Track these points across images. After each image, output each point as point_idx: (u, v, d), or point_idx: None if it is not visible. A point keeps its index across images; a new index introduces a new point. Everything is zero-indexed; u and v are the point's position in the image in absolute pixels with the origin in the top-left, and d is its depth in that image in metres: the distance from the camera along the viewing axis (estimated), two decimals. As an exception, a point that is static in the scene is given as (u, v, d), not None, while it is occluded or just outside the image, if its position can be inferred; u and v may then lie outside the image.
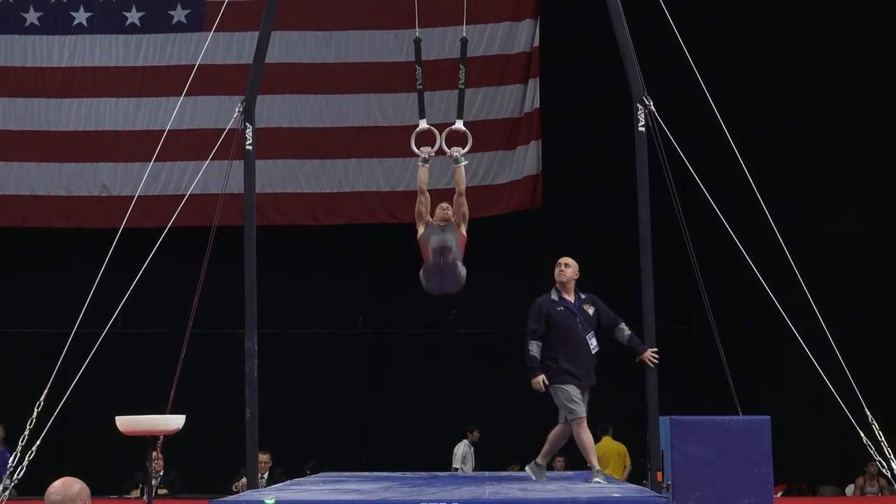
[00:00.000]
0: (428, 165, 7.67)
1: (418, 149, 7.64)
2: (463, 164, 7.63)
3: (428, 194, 7.67)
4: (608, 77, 10.52)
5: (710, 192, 7.42)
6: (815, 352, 7.44)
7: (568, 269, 7.85)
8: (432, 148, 7.60)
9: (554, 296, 7.79)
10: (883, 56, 13.01)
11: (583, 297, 7.82)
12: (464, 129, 7.68)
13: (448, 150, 7.63)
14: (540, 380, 7.58)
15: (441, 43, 12.50)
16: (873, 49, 13.03)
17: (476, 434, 12.53)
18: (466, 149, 7.68)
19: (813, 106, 13.12)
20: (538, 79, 12.61)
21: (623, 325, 7.72)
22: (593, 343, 7.71)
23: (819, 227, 12.62)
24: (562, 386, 7.56)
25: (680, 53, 7.65)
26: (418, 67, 7.71)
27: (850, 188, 12.93)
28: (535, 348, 7.66)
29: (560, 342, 7.61)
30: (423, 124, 7.65)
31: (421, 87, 7.73)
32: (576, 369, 7.58)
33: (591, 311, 7.77)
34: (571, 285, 7.79)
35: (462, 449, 12.42)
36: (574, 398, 7.58)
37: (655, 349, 7.29)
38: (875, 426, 7.22)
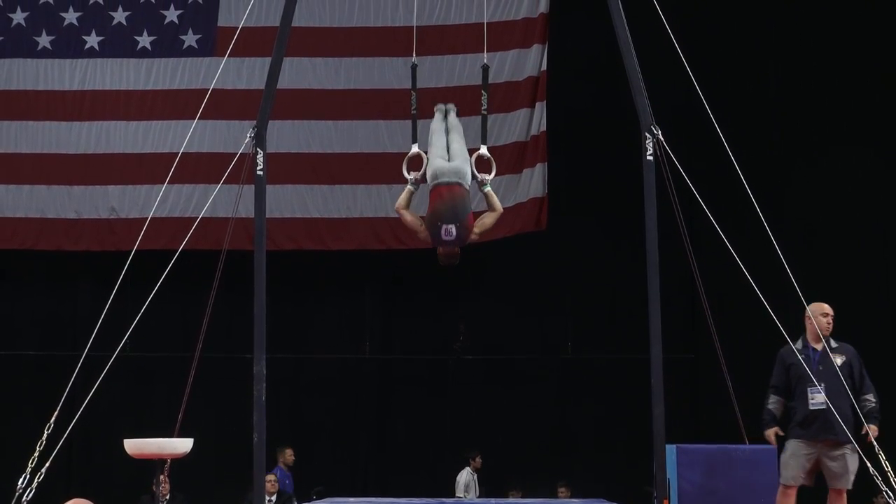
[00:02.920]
0: (415, 190, 7.72)
1: (408, 173, 7.75)
2: (488, 189, 7.73)
3: (407, 215, 7.66)
4: (615, 99, 10.60)
5: (718, 219, 7.45)
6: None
7: (825, 318, 7.53)
8: (419, 172, 7.70)
9: (799, 343, 7.57)
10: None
11: (834, 345, 7.57)
12: (488, 154, 7.80)
13: (478, 176, 7.72)
14: (768, 433, 7.35)
15: (451, 70, 12.60)
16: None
17: (478, 460, 12.54)
18: (492, 175, 7.79)
19: (824, 132, 13.10)
20: (545, 102, 12.68)
21: (870, 396, 7.45)
22: (816, 398, 7.38)
23: (829, 254, 12.63)
24: (786, 441, 7.30)
25: (686, 77, 7.71)
26: (413, 92, 7.85)
27: (862, 215, 12.93)
28: (770, 401, 7.46)
29: (797, 393, 7.40)
30: (415, 149, 7.80)
31: (415, 111, 7.87)
32: (803, 424, 7.30)
33: (839, 360, 7.47)
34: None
35: (465, 476, 12.43)
36: (787, 459, 7.29)
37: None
38: (882, 456, 7.23)
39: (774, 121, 13.23)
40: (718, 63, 12.75)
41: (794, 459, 7.42)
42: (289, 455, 12.17)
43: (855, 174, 12.95)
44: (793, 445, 7.41)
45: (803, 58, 13.20)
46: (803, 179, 13.06)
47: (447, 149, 7.75)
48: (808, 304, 7.58)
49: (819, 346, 7.55)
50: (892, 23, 12.94)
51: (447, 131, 7.92)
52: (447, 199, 7.45)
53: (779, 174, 12.97)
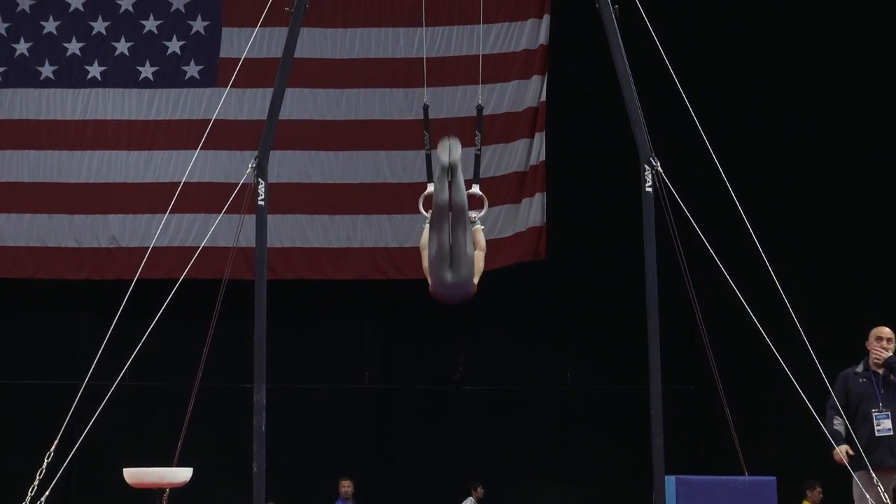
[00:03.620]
0: None
1: (426, 211, 7.74)
2: (479, 226, 7.70)
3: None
4: (614, 129, 10.64)
5: (717, 248, 7.48)
6: (820, 412, 7.46)
7: (891, 344, 7.41)
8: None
9: (860, 367, 7.48)
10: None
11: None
12: (480, 193, 7.79)
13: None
14: (840, 450, 7.16)
15: (451, 102, 12.68)
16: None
17: (480, 491, 12.53)
18: (483, 212, 7.79)
19: (827, 155, 13.11)
20: (544, 132, 12.74)
21: None
22: (882, 423, 7.26)
23: (829, 287, 12.64)
24: (854, 473, 7.12)
25: (686, 107, 7.75)
26: (427, 133, 7.83)
27: (864, 251, 12.95)
28: (835, 423, 7.27)
29: (858, 418, 7.27)
30: (430, 188, 7.77)
31: (429, 151, 7.84)
32: (867, 452, 7.14)
33: None
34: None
35: None
36: (858, 499, 7.11)
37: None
38: (880, 489, 7.23)
39: (776, 143, 13.25)
40: (718, 86, 12.87)
41: (863, 502, 7.19)
42: (346, 486, 12.17)
43: (860, 195, 12.92)
44: (863, 480, 7.18)
45: (807, 81, 13.23)
46: (805, 202, 13.08)
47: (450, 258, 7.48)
48: (805, 336, 7.59)
49: (880, 370, 7.46)
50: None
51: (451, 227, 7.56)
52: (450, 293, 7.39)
53: (779, 197, 13.00)
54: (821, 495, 11.82)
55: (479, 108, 8.05)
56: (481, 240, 7.60)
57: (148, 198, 12.56)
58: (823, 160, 13.10)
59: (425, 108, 7.89)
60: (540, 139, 12.76)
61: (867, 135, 12.97)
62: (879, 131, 12.97)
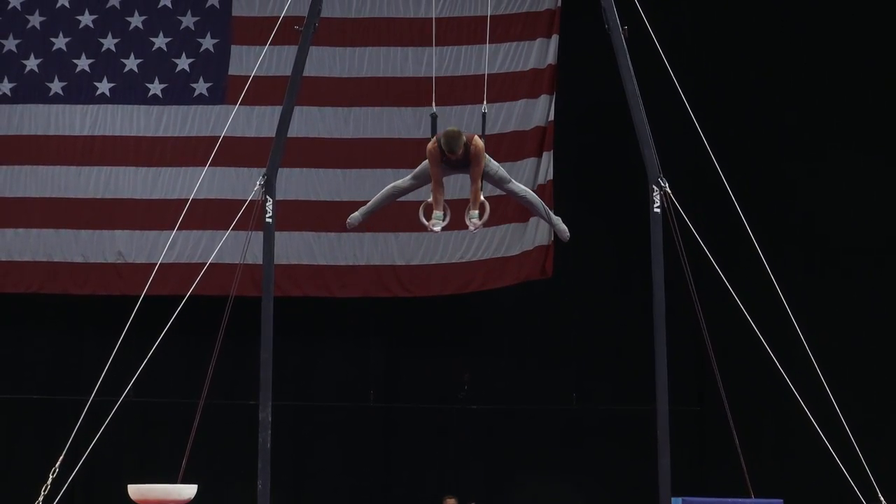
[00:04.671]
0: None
1: (426, 220, 7.77)
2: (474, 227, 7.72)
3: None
4: (623, 148, 10.65)
5: (725, 267, 7.47)
6: (828, 434, 7.44)
7: None
8: (443, 218, 7.68)
9: None
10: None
11: None
12: (483, 200, 7.78)
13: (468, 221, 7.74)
14: None
15: (458, 120, 12.67)
16: None
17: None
18: (484, 219, 7.79)
19: (836, 169, 13.03)
20: (552, 151, 12.77)
21: None
22: None
23: (840, 307, 12.60)
24: None
25: (695, 127, 7.76)
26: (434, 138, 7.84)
27: (870, 268, 12.92)
28: None
29: None
30: (430, 199, 7.83)
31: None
32: None
33: None
34: None
35: None
36: None
37: None
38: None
39: (788, 160, 13.20)
40: (729, 103, 12.88)
41: None
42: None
43: (875, 214, 12.85)
44: None
45: (823, 97, 13.16)
46: (816, 219, 13.01)
47: None
48: (814, 358, 7.56)
49: None
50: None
51: None
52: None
53: (789, 214, 12.97)
54: None
55: (484, 115, 8.07)
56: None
57: (155, 214, 12.57)
58: (837, 179, 13.05)
59: (433, 117, 7.92)
60: (548, 158, 12.76)
61: (886, 151, 12.92)
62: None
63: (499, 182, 7.71)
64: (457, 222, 7.90)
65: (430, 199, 7.79)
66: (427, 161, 7.58)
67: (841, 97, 13.13)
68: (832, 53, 13.17)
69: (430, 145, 7.51)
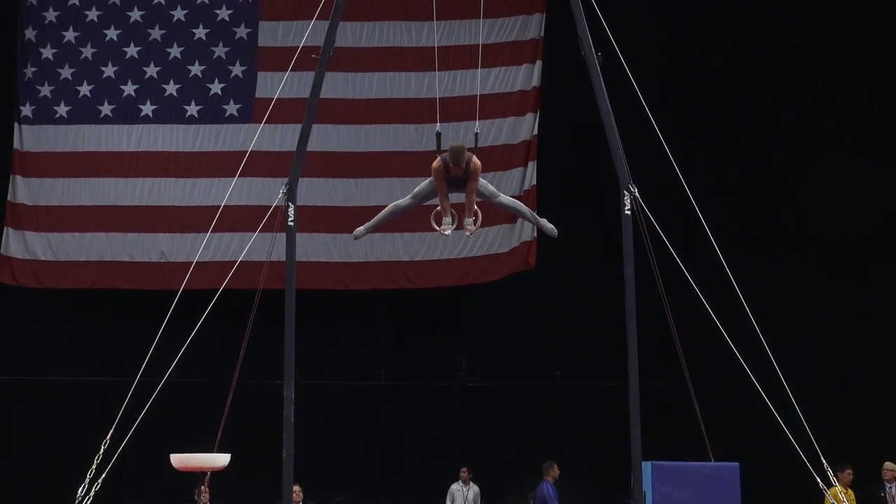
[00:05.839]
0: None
1: (437, 225, 7.74)
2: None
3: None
4: (598, 157, 10.62)
5: (687, 264, 7.48)
6: (777, 406, 7.44)
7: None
8: (451, 223, 7.67)
9: None
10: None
11: None
12: (476, 208, 7.75)
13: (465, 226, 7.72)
14: None
15: (455, 135, 12.65)
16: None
17: (465, 472, 12.28)
18: (477, 225, 7.80)
19: (799, 172, 13.01)
20: (536, 161, 12.78)
21: None
22: None
23: (787, 296, 12.60)
24: None
25: (657, 139, 7.74)
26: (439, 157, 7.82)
27: (814, 260, 12.90)
28: None
29: None
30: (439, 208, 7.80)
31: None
32: None
33: None
34: None
35: (454, 487, 12.26)
36: None
37: None
38: (830, 473, 7.21)
39: (749, 164, 13.19)
40: (697, 114, 12.89)
41: None
42: (555, 470, 11.69)
43: (830, 199, 12.79)
44: None
45: (788, 100, 13.16)
46: (785, 217, 12.98)
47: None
48: (763, 338, 7.55)
49: None
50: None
51: None
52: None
53: (747, 211, 12.96)
54: (851, 476, 10.60)
55: (476, 134, 8.04)
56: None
57: (193, 219, 12.59)
58: (798, 173, 13.02)
59: (438, 136, 7.89)
60: (532, 167, 12.82)
61: (852, 151, 12.87)
62: (864, 149, 12.87)
63: (489, 198, 7.68)
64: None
65: (439, 208, 7.76)
66: (429, 180, 7.55)
67: (815, 95, 13.03)
68: (797, 67, 13.12)
69: (434, 164, 7.46)
